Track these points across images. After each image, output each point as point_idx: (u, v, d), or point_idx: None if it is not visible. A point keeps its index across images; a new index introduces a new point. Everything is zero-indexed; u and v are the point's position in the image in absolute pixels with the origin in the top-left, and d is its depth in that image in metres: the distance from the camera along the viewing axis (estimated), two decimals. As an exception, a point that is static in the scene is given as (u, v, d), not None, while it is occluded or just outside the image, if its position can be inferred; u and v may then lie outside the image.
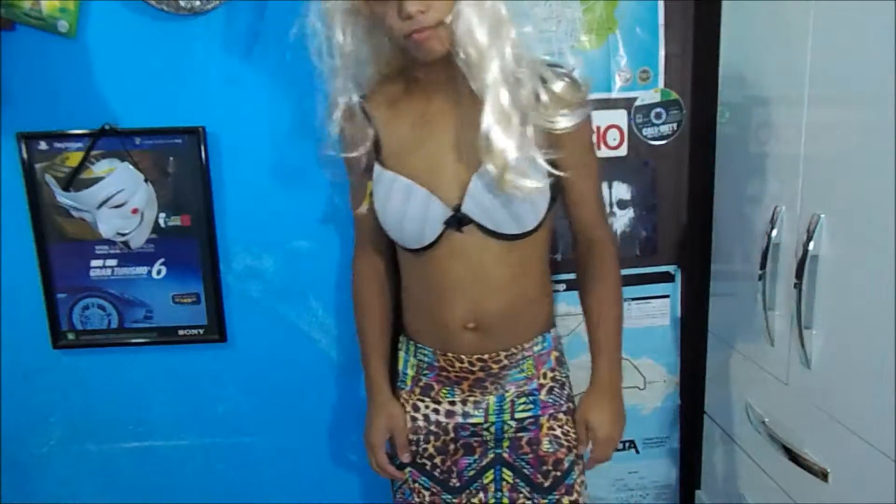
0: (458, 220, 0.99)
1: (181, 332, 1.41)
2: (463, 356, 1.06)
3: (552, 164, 0.97)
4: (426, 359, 1.11)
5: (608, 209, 1.40)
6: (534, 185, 0.94)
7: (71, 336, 1.41)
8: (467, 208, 0.98)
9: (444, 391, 1.11)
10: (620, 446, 1.52)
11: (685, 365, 1.50)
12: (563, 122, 0.96)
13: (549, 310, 1.14)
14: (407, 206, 1.00)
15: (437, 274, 1.03)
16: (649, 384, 1.49)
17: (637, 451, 1.53)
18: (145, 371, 1.44)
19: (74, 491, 1.49)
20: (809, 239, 0.95)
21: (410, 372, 1.14)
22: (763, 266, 1.09)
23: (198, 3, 1.25)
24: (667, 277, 1.46)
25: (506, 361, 1.07)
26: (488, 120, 0.90)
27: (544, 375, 1.11)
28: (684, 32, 1.35)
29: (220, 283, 1.39)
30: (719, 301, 1.39)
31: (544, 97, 0.95)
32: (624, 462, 1.53)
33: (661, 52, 1.35)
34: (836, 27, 0.93)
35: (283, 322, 1.43)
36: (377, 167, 1.03)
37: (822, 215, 0.95)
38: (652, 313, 1.46)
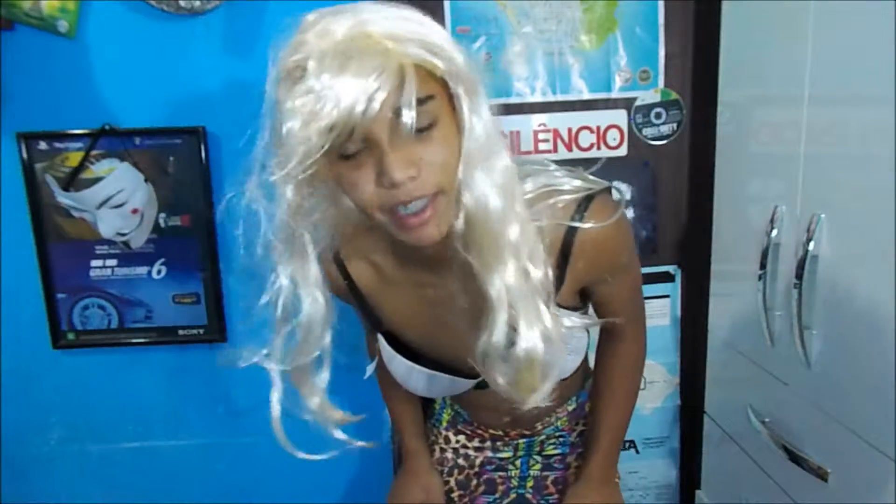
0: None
1: (181, 332, 1.41)
2: (498, 427, 1.05)
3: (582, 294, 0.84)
4: (462, 416, 1.09)
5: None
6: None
7: (71, 336, 1.41)
8: None
9: (477, 440, 1.09)
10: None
11: (685, 365, 1.50)
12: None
13: (583, 373, 1.06)
14: (431, 387, 0.90)
15: (467, 397, 0.98)
16: (649, 384, 1.49)
17: (637, 451, 1.53)
18: (145, 371, 1.44)
19: (74, 491, 1.49)
20: (809, 239, 0.95)
21: (446, 416, 1.12)
22: (763, 266, 1.09)
23: (198, 3, 1.25)
24: (667, 277, 1.46)
25: (539, 427, 1.05)
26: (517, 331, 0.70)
27: (576, 423, 1.07)
28: (684, 32, 1.35)
29: (220, 283, 1.39)
30: (719, 301, 1.38)
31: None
32: (624, 462, 1.53)
33: (661, 52, 1.36)
34: (836, 27, 0.93)
35: (283, 322, 1.43)
36: (384, 343, 0.90)
37: (822, 215, 0.95)
38: (652, 313, 1.45)
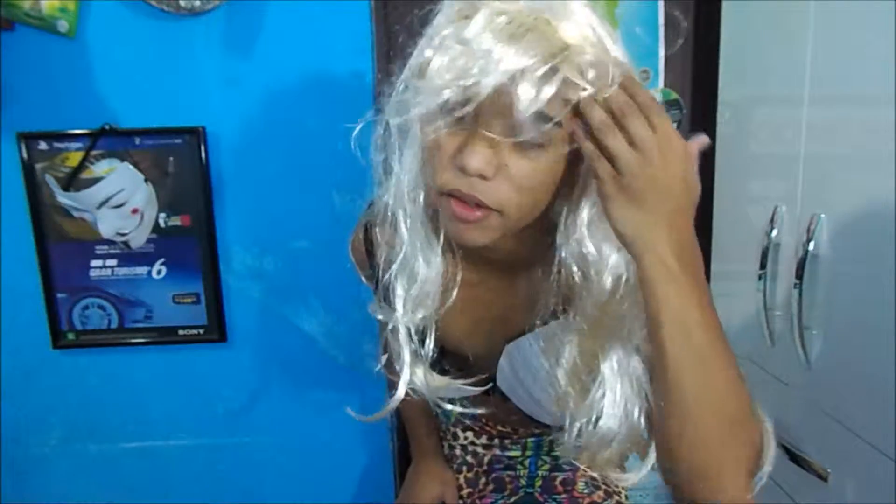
0: (497, 392, 0.87)
1: (181, 332, 1.41)
2: (507, 424, 1.04)
3: None
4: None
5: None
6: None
7: (71, 336, 1.41)
8: (500, 384, 0.85)
9: (485, 437, 1.08)
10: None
11: (685, 365, 1.49)
12: None
13: None
14: (448, 389, 0.85)
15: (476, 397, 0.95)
16: (649, 384, 1.49)
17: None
18: (145, 371, 1.44)
19: (74, 491, 1.49)
20: (809, 239, 0.95)
21: (454, 413, 1.09)
22: (763, 266, 1.09)
23: (198, 3, 1.25)
24: (667, 277, 1.45)
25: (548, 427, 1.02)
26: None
27: None
28: (684, 32, 1.35)
29: (220, 283, 1.39)
30: (719, 301, 1.38)
31: None
32: (624, 462, 1.53)
33: (661, 52, 1.36)
34: (836, 27, 0.93)
35: (283, 322, 1.43)
36: None
37: (822, 215, 0.95)
38: (652, 313, 1.46)
